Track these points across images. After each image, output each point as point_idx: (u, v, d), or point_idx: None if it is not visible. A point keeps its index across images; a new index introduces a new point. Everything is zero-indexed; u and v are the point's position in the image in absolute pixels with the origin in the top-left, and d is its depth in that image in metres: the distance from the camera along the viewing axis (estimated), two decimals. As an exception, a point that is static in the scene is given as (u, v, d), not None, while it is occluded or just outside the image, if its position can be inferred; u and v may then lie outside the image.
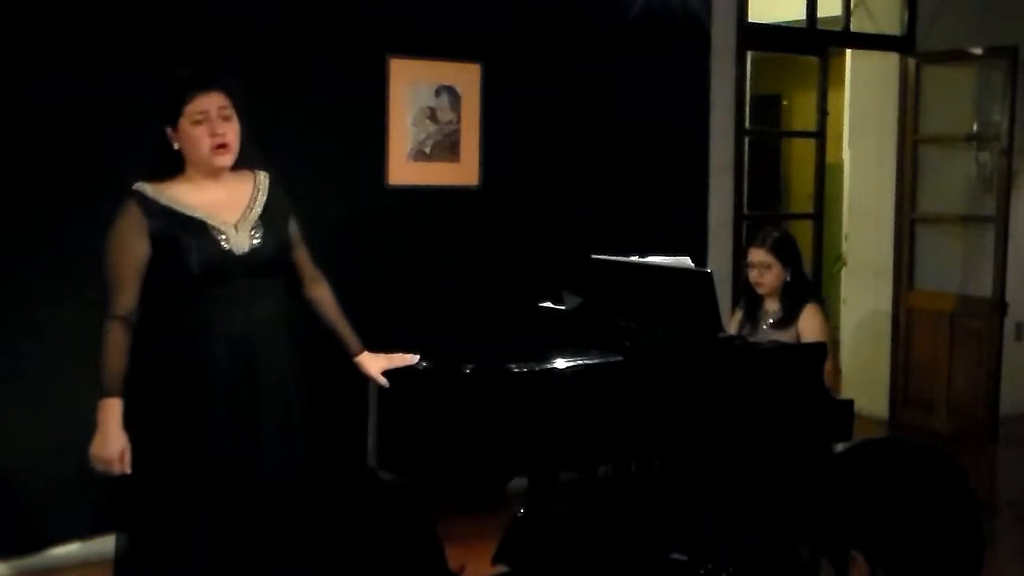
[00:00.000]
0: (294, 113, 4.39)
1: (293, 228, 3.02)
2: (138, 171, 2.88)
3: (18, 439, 3.94)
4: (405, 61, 4.68)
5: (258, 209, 2.90)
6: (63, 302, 3.86)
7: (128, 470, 2.78)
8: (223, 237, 2.81)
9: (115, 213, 2.83)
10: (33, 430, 3.92)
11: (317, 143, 4.47)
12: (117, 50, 4.03)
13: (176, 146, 2.83)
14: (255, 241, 2.85)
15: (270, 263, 2.88)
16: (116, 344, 2.78)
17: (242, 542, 2.82)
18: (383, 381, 3.11)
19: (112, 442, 2.76)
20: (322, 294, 3.09)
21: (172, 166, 2.86)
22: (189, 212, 2.81)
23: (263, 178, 2.98)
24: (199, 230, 2.80)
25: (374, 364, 3.13)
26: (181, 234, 2.78)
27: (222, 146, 2.82)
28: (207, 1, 4.24)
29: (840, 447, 3.77)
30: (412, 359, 3.15)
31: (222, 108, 2.82)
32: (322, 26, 4.48)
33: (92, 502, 4.04)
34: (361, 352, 3.13)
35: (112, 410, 2.77)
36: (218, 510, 2.80)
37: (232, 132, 2.85)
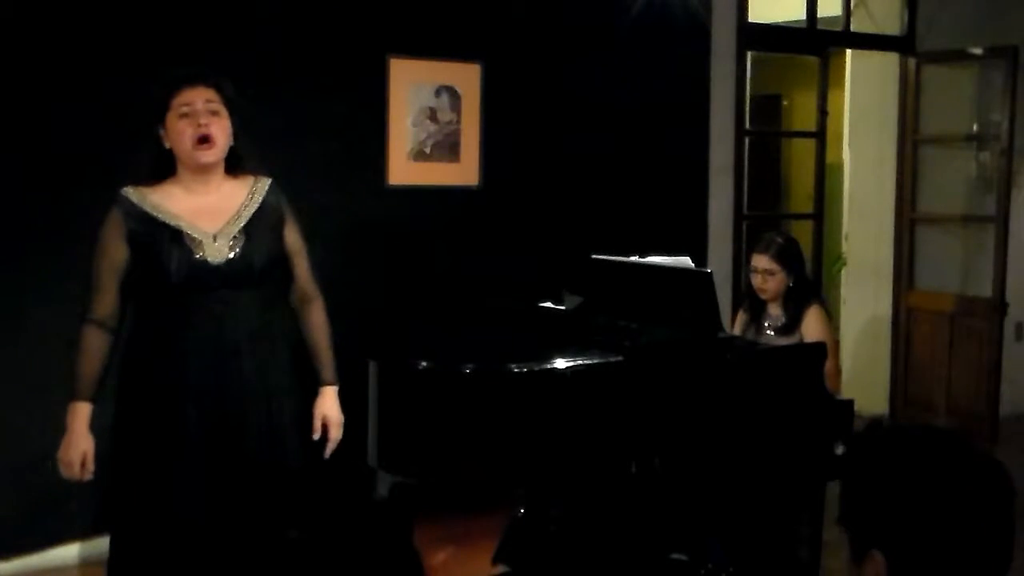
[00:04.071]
0: (294, 113, 4.39)
1: (292, 239, 2.94)
2: (134, 174, 2.86)
3: (18, 439, 3.94)
4: (405, 61, 4.68)
5: (245, 218, 2.83)
6: (64, 303, 3.84)
7: (89, 476, 2.76)
8: (198, 247, 2.75)
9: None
10: (33, 430, 3.92)
11: (317, 143, 4.47)
12: (117, 51, 4.03)
13: (167, 145, 2.80)
14: (233, 252, 2.77)
15: (250, 273, 2.80)
16: (88, 348, 2.76)
17: (229, 545, 2.80)
18: (318, 424, 2.98)
19: (75, 446, 2.74)
20: (310, 316, 3.00)
21: (163, 169, 2.83)
22: (167, 219, 2.77)
23: (262, 185, 2.92)
24: (176, 238, 2.74)
25: (326, 404, 3.01)
26: (158, 241, 2.74)
27: (205, 139, 2.75)
28: (207, 2, 4.24)
29: (839, 449, 3.77)
30: (337, 436, 3.02)
31: (208, 101, 2.78)
32: (322, 26, 4.49)
33: (92, 502, 4.05)
34: (329, 385, 3.02)
35: (78, 414, 2.75)
36: (199, 515, 2.77)
37: (218, 127, 2.78)
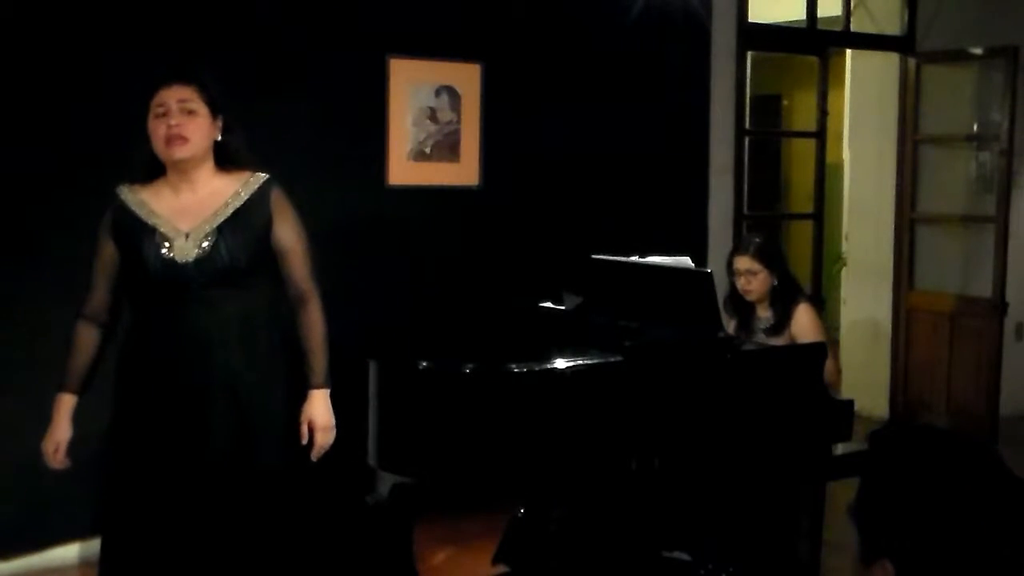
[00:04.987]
0: (294, 113, 4.39)
1: (286, 237, 2.87)
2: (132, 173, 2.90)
3: (18, 439, 3.94)
4: (405, 61, 4.68)
5: (223, 215, 2.80)
6: (63, 301, 3.84)
7: (61, 465, 2.85)
8: (166, 245, 2.75)
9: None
10: (33, 430, 3.91)
11: (317, 143, 4.47)
12: (117, 51, 4.03)
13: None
14: (200, 250, 2.75)
15: (220, 272, 2.76)
16: (77, 342, 2.85)
17: (202, 545, 2.79)
18: (304, 428, 2.90)
19: (51, 434, 2.84)
20: (304, 317, 2.92)
21: (156, 168, 2.85)
22: (146, 217, 2.79)
23: (253, 181, 2.87)
24: (150, 236, 2.77)
25: (313, 408, 2.91)
26: (137, 239, 2.78)
27: (176, 138, 2.75)
28: (207, 1, 4.24)
29: (840, 448, 3.77)
30: (324, 442, 2.93)
31: (183, 101, 2.77)
32: (322, 26, 4.49)
33: (92, 502, 4.04)
34: (318, 388, 2.92)
35: (59, 404, 2.84)
36: (172, 512, 2.77)
37: (193, 126, 2.77)
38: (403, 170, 4.72)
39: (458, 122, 4.84)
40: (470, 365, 3.09)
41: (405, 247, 4.73)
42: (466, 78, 4.83)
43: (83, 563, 4.11)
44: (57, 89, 3.97)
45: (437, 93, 4.79)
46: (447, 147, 4.83)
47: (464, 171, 4.87)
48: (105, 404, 2.84)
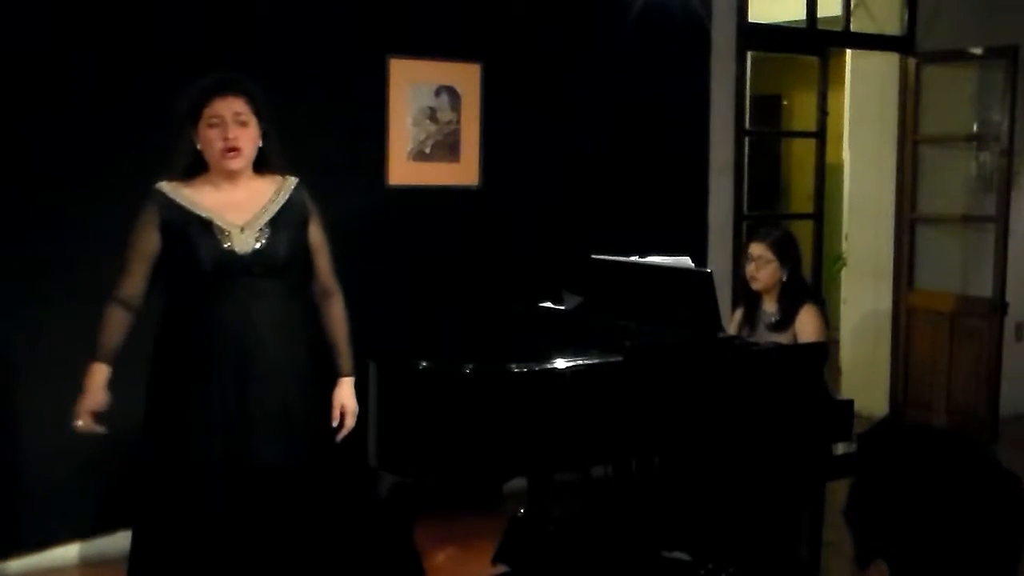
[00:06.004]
0: (294, 113, 4.37)
1: (316, 235, 3.10)
2: (159, 171, 3.00)
3: (18, 439, 3.94)
4: (405, 61, 4.68)
5: (271, 212, 2.98)
6: (64, 302, 3.86)
7: (91, 429, 2.92)
8: (226, 237, 2.90)
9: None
10: (33, 430, 3.92)
11: (317, 143, 4.47)
12: (117, 52, 4.03)
13: (199, 146, 2.95)
14: (259, 243, 2.93)
15: (274, 265, 2.95)
16: (109, 320, 2.95)
17: (238, 539, 2.85)
18: (336, 413, 3.16)
19: (83, 399, 2.91)
20: (330, 309, 3.16)
21: (196, 166, 2.98)
22: (198, 211, 2.93)
23: (288, 183, 3.07)
24: (205, 229, 2.90)
25: (344, 393, 3.18)
26: (188, 231, 2.90)
27: (232, 149, 2.91)
28: (207, 2, 4.24)
29: (840, 448, 3.77)
30: (351, 425, 3.18)
31: (237, 114, 2.92)
32: (322, 26, 4.48)
33: (92, 502, 4.05)
34: (349, 376, 3.19)
35: (93, 372, 2.92)
36: (211, 504, 2.85)
37: (246, 137, 2.94)
38: (403, 170, 4.72)
39: (458, 122, 4.84)
40: (470, 365, 3.09)
41: (405, 247, 4.73)
42: (466, 78, 4.83)
43: (83, 563, 4.11)
44: (57, 90, 3.97)
45: (437, 93, 4.79)
46: (447, 147, 4.83)
47: (464, 171, 4.87)
48: (122, 405, 2.87)
